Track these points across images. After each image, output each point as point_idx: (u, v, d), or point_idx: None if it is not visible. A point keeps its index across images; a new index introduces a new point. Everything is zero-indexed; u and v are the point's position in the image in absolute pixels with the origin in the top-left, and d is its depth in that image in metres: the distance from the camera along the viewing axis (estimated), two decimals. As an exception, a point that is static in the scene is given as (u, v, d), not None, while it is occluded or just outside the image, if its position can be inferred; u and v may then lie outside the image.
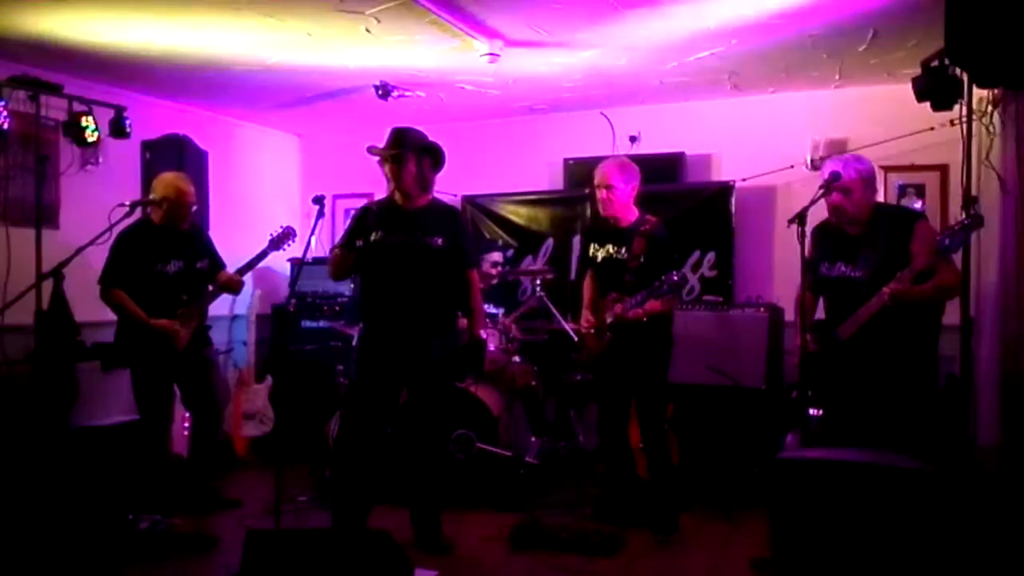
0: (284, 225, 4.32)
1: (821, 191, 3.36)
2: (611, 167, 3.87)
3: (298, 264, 4.04)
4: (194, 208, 4.22)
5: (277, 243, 4.25)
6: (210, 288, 4.25)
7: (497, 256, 5.15)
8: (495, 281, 4.88)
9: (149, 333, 4.01)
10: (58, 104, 4.58)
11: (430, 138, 3.68)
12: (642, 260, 3.81)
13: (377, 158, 3.63)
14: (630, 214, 3.94)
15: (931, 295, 3.23)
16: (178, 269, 4.13)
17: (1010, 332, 3.84)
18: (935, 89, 3.86)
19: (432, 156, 3.65)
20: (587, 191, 4.02)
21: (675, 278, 3.60)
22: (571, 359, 4.74)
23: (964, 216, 3.08)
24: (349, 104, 5.53)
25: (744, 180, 5.19)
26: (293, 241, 4.29)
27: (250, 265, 4.25)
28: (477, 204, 5.94)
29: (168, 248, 4.12)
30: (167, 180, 4.15)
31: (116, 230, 4.04)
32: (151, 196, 4.14)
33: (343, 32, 4.07)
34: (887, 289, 3.15)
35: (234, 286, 4.29)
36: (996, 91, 3.94)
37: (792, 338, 3.73)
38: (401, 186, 3.60)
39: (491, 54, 4.24)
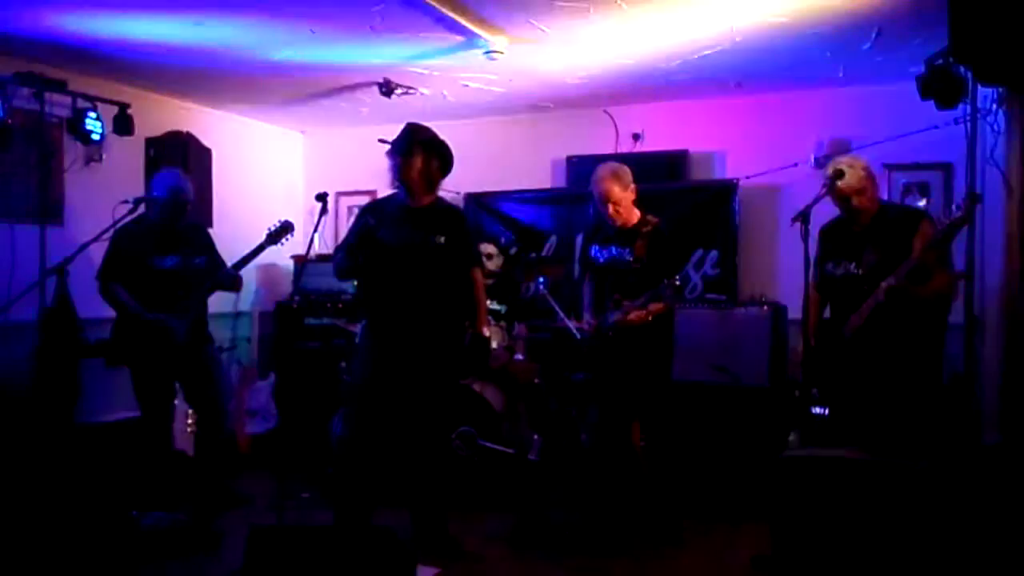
0: (281, 220, 4.27)
1: (825, 189, 3.38)
2: (609, 182, 3.84)
3: (302, 261, 4.03)
4: (190, 204, 4.20)
5: (274, 238, 4.20)
6: (207, 284, 4.24)
7: (490, 248, 5.14)
8: (496, 271, 4.87)
9: (146, 328, 4.02)
10: (62, 101, 4.59)
11: (441, 139, 3.68)
12: (645, 261, 3.81)
13: (387, 149, 3.64)
14: (632, 216, 3.94)
15: (925, 295, 3.23)
16: (174, 264, 4.13)
17: (1014, 331, 3.84)
18: (939, 88, 3.85)
19: (440, 157, 3.66)
20: (590, 190, 4.00)
21: (677, 282, 3.60)
22: (574, 357, 4.74)
23: (956, 210, 3.08)
24: (353, 101, 5.53)
25: (748, 178, 5.18)
26: (291, 236, 4.25)
27: (246, 260, 4.20)
28: (480, 202, 5.93)
29: (165, 244, 4.12)
30: (165, 176, 4.16)
31: (118, 226, 4.06)
32: (150, 192, 4.14)
33: (347, 29, 4.07)
34: (884, 284, 3.16)
35: (231, 282, 4.26)
36: (1001, 89, 3.93)
37: (796, 337, 3.72)
38: (406, 180, 3.60)
39: (494, 51, 4.24)
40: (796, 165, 5.06)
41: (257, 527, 2.86)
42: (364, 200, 5.90)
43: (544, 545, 3.70)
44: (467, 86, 5.12)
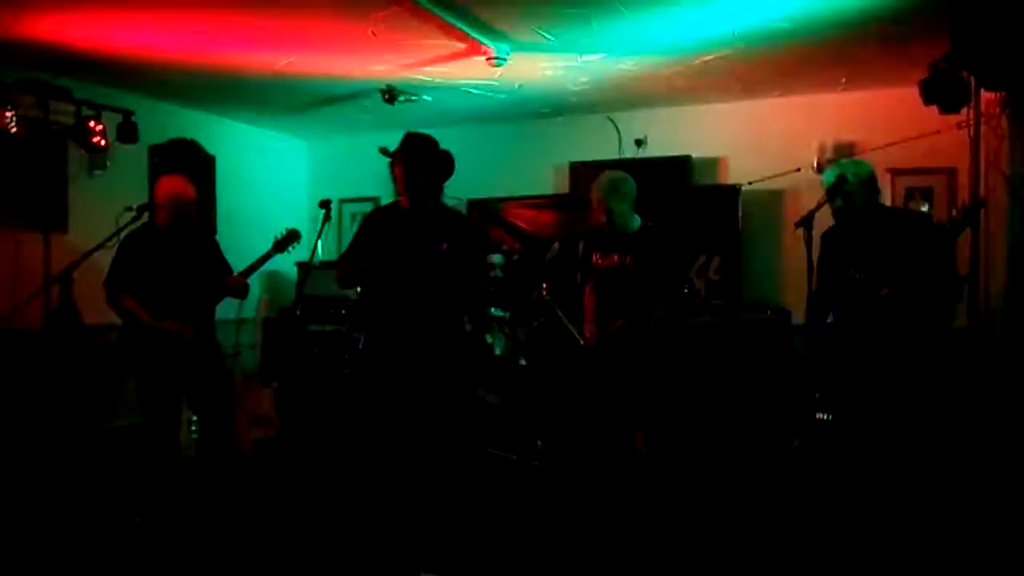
0: (288, 228, 4.28)
1: (826, 197, 3.38)
2: (609, 190, 3.84)
3: (305, 268, 4.03)
4: (194, 206, 4.20)
5: (281, 245, 4.20)
6: (216, 290, 4.24)
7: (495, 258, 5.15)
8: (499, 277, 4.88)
9: (154, 335, 4.01)
10: (66, 109, 4.61)
11: (440, 146, 3.68)
12: (645, 268, 3.81)
13: (388, 159, 3.63)
14: (632, 223, 3.94)
15: (930, 297, 3.22)
16: (182, 272, 4.13)
17: (1017, 335, 3.82)
18: (943, 92, 3.85)
19: (442, 163, 3.66)
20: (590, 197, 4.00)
21: (685, 291, 3.59)
22: (577, 363, 4.73)
23: (956, 213, 3.08)
24: (355, 108, 5.54)
25: (751, 183, 5.18)
26: (297, 243, 4.25)
27: (253, 267, 4.21)
28: (483, 207, 5.94)
29: (171, 250, 4.12)
30: (167, 182, 4.15)
31: (124, 234, 4.06)
32: (154, 199, 4.14)
33: (350, 37, 4.08)
34: (887, 289, 3.15)
35: (238, 289, 4.26)
36: (1004, 94, 3.92)
37: (799, 342, 3.72)
38: (409, 190, 3.60)
39: (497, 58, 4.25)
40: (799, 170, 5.06)
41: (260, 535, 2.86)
42: (367, 207, 5.92)
43: (547, 550, 3.69)
44: (470, 92, 5.13)
